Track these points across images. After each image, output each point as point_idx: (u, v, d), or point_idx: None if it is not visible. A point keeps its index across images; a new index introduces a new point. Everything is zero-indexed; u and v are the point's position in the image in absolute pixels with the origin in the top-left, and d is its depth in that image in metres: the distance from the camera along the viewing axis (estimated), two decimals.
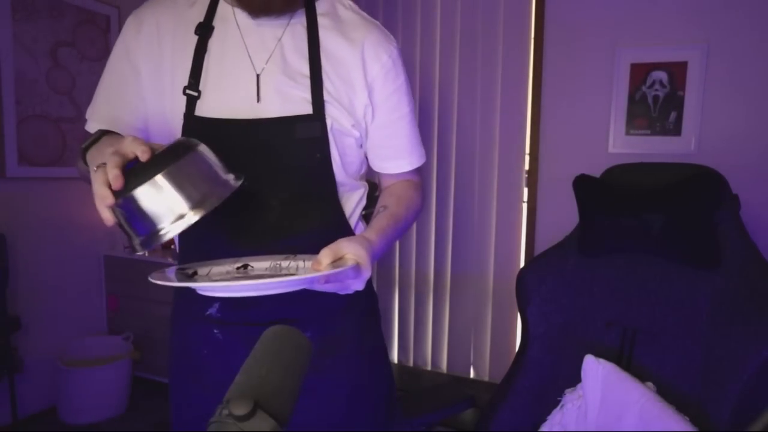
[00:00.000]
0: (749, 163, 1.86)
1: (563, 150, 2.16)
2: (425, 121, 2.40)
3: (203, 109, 0.76)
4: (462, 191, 2.38)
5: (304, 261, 0.73)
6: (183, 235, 0.63)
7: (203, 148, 0.63)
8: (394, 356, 2.58)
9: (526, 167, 2.26)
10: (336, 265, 0.64)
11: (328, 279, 0.65)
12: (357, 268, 0.67)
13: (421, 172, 0.94)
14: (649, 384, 1.10)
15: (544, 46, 2.17)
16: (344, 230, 0.84)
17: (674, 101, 1.96)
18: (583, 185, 1.36)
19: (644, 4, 1.98)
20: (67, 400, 2.18)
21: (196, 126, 0.75)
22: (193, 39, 0.77)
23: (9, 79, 2.03)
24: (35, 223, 2.18)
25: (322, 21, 0.80)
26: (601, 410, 1.10)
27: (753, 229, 1.23)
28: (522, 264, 2.28)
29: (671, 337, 1.14)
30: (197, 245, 0.80)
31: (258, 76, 0.76)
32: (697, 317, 1.12)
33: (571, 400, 1.17)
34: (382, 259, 2.56)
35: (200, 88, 0.75)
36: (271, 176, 0.77)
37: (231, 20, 0.78)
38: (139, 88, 0.79)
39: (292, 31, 0.78)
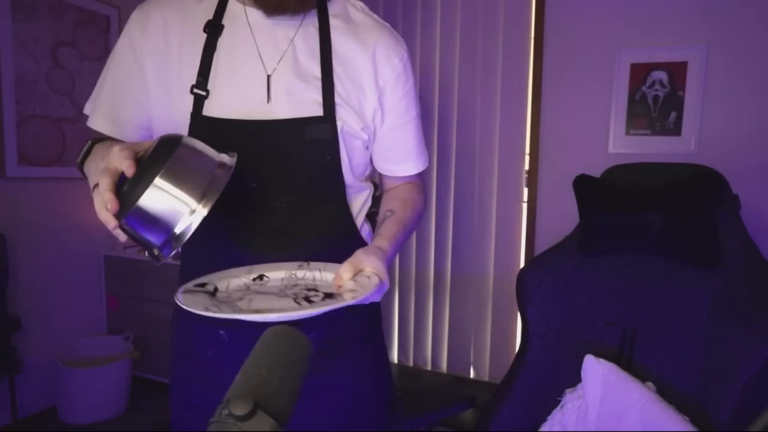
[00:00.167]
0: (749, 163, 1.86)
1: (563, 150, 2.16)
2: (425, 121, 2.40)
3: (211, 109, 0.74)
4: (462, 191, 2.38)
5: (320, 271, 0.73)
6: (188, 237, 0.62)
7: (188, 139, 0.62)
8: (394, 356, 2.58)
9: (526, 167, 2.26)
10: (358, 281, 0.65)
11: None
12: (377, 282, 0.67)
13: (422, 174, 0.94)
14: (649, 384, 1.10)
15: (544, 46, 2.17)
16: (351, 232, 0.83)
17: (674, 101, 1.96)
18: (583, 185, 1.36)
19: (644, 5, 1.98)
20: (67, 400, 2.17)
21: (203, 125, 0.74)
22: (202, 37, 0.75)
23: (9, 79, 2.03)
24: (35, 223, 2.18)
25: (334, 22, 0.79)
26: (601, 410, 1.10)
27: (753, 229, 1.23)
28: (522, 264, 2.28)
29: (671, 337, 1.14)
30: (202, 248, 0.79)
31: (269, 76, 0.75)
32: (698, 317, 1.12)
33: (571, 400, 1.17)
34: None
35: (208, 87, 0.74)
36: (280, 178, 0.76)
37: (242, 19, 0.77)
38: (143, 85, 0.77)
39: (304, 32, 0.77)
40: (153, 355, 2.39)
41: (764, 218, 1.81)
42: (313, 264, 0.74)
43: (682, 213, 1.18)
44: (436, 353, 2.49)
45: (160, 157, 0.58)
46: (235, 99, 0.75)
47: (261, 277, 0.72)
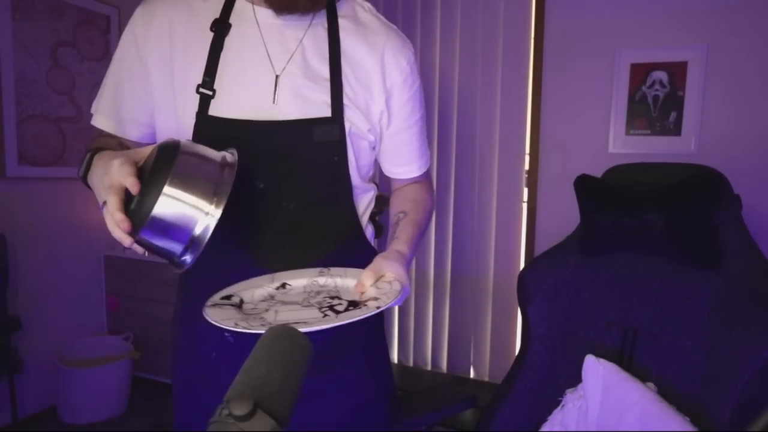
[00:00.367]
0: (749, 162, 1.86)
1: (563, 150, 2.16)
2: (426, 121, 2.39)
3: (217, 109, 0.73)
4: (462, 191, 2.38)
5: (341, 277, 0.73)
6: None
7: (186, 142, 0.61)
8: (394, 356, 2.58)
9: (526, 167, 2.26)
10: (380, 288, 0.66)
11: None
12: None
13: (429, 171, 0.95)
14: (650, 384, 1.09)
15: (544, 46, 2.17)
16: (357, 233, 0.83)
17: (674, 101, 1.96)
18: (584, 185, 1.36)
19: (644, 5, 1.98)
20: (66, 400, 2.18)
21: (208, 125, 0.73)
22: (208, 35, 0.74)
23: (9, 79, 2.03)
24: (35, 223, 2.18)
25: (342, 24, 0.79)
26: (601, 410, 1.10)
27: (754, 229, 1.23)
28: (522, 264, 2.28)
29: (672, 338, 1.14)
30: (207, 249, 0.79)
31: (277, 77, 0.74)
32: (698, 317, 1.12)
33: (571, 400, 1.17)
34: None
35: (215, 86, 0.73)
36: (288, 178, 0.75)
37: (250, 18, 0.76)
38: (146, 82, 0.76)
39: (313, 33, 0.77)
40: (153, 355, 2.39)
41: (765, 218, 1.81)
42: (333, 270, 0.74)
43: (683, 213, 1.18)
44: (436, 353, 2.49)
45: (163, 165, 0.57)
46: (242, 99, 0.74)
47: (283, 285, 0.72)
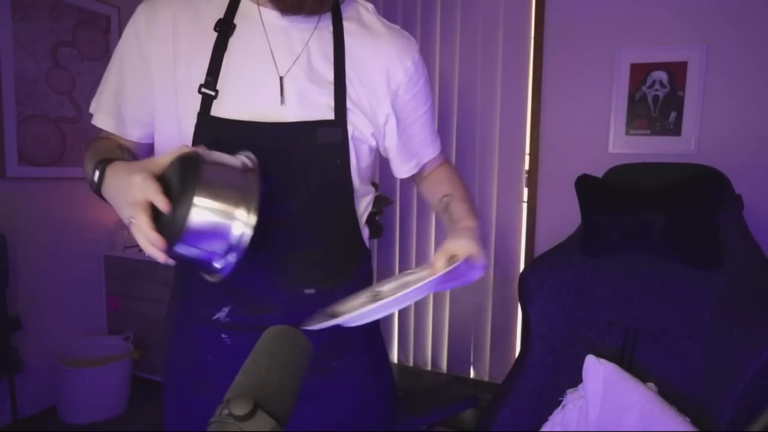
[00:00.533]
0: (749, 162, 1.86)
1: (563, 150, 2.16)
2: None
3: (219, 109, 0.72)
4: None
5: (424, 269, 0.73)
6: None
7: (204, 151, 0.61)
8: (394, 356, 2.58)
9: (526, 167, 2.26)
10: (452, 262, 0.66)
11: (446, 279, 0.65)
12: (468, 261, 0.68)
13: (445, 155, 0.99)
14: (650, 384, 1.09)
15: (544, 46, 2.17)
16: (356, 234, 0.83)
17: (674, 101, 1.96)
18: (585, 185, 1.36)
19: (644, 4, 1.98)
20: (67, 400, 2.17)
21: (210, 126, 0.72)
22: (211, 35, 0.73)
23: (9, 79, 2.03)
24: (35, 223, 2.18)
25: (347, 26, 0.79)
26: (602, 410, 1.10)
27: (755, 229, 1.22)
28: (522, 264, 2.28)
29: (673, 338, 1.14)
30: None
31: (281, 78, 0.74)
32: (699, 317, 1.12)
33: (572, 400, 1.17)
34: (381, 259, 2.56)
35: (217, 87, 0.72)
36: (290, 180, 0.75)
37: (256, 19, 0.75)
38: (147, 80, 0.75)
39: (319, 35, 0.76)
40: (153, 355, 2.39)
41: (766, 218, 1.81)
42: (419, 267, 0.76)
43: (684, 213, 1.18)
44: (436, 353, 2.49)
45: (189, 176, 0.56)
46: (245, 100, 0.73)
47: (377, 294, 0.73)
